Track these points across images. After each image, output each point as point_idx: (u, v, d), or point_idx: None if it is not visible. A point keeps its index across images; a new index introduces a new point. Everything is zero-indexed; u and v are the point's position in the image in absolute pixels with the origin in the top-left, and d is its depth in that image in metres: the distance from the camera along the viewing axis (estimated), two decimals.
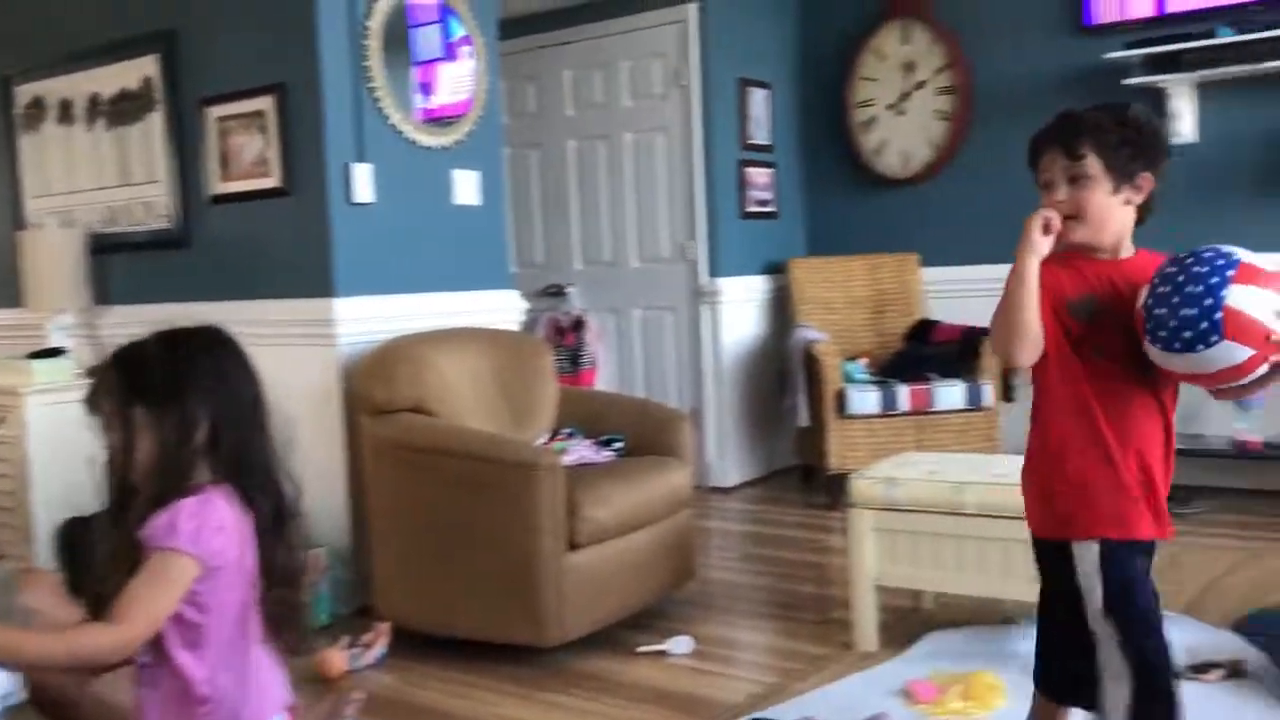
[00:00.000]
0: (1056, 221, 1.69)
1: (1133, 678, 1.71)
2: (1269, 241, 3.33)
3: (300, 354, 3.46)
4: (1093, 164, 1.70)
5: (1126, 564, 1.72)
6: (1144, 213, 1.75)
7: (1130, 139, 1.71)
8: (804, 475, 5.20)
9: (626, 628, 3.16)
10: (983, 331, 4.69)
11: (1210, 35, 4.36)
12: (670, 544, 3.28)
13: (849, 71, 5.42)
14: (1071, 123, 1.74)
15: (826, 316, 5.14)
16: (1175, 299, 1.59)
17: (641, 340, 5.37)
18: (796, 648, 3.05)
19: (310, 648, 1.77)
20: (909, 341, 5.02)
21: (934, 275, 5.22)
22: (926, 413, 4.56)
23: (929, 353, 4.81)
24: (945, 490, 2.83)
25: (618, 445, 3.42)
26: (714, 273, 5.12)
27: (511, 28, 5.09)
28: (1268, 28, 4.26)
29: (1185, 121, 4.50)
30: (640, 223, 5.32)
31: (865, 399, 4.54)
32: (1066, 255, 1.74)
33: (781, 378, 5.00)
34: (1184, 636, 2.83)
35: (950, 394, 4.54)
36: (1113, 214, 1.72)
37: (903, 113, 5.30)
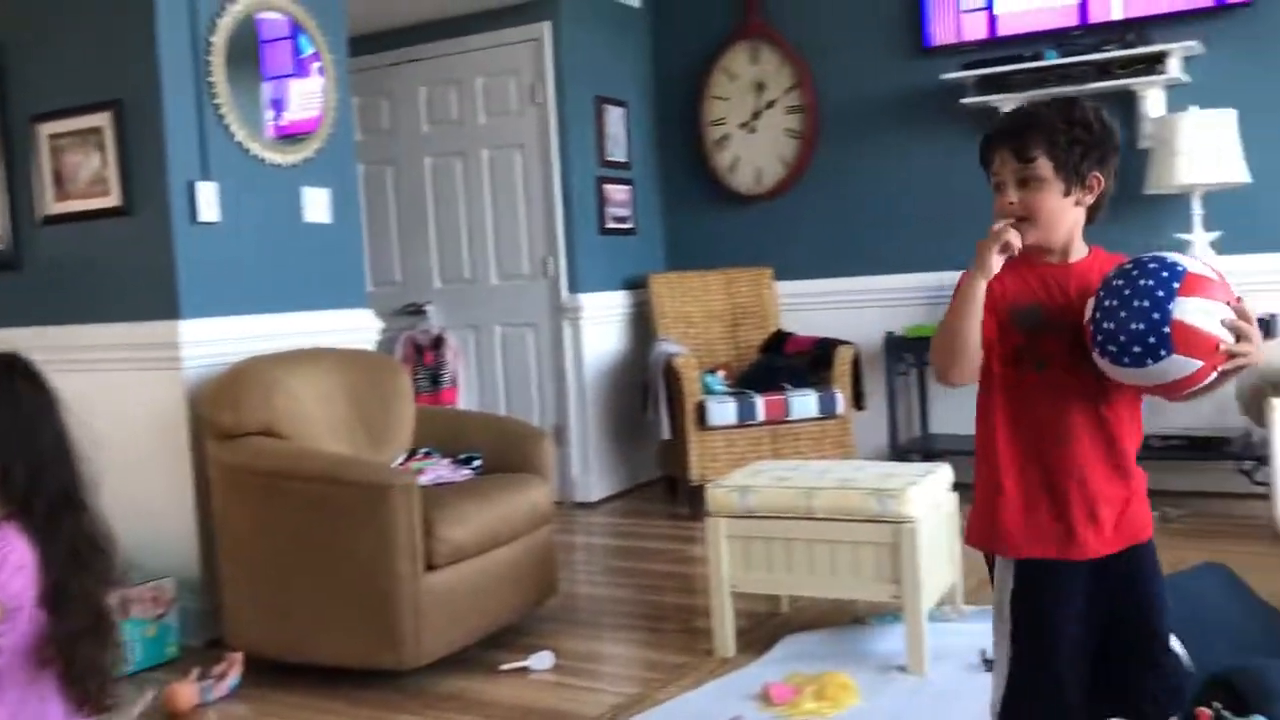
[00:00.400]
0: (1016, 243, 1.63)
1: (1004, 686, 1.72)
2: None
3: (144, 378, 3.34)
4: (1044, 166, 1.65)
5: (1032, 585, 1.70)
6: (1094, 212, 1.71)
7: (1080, 138, 1.65)
8: (668, 487, 5.26)
9: (488, 646, 3.14)
10: (834, 342, 4.85)
11: (1038, 58, 4.61)
12: (532, 561, 3.28)
13: (702, 90, 5.53)
14: (1022, 123, 1.68)
15: (686, 330, 5.22)
16: (1123, 313, 1.55)
17: (503, 358, 5.36)
18: (659, 658, 3.08)
19: (114, 702, 1.58)
20: (764, 353, 5.15)
21: (787, 289, 5.36)
22: (782, 422, 4.67)
23: (783, 363, 4.93)
24: (796, 496, 2.91)
25: (476, 463, 3.41)
26: (574, 289, 5.15)
27: (364, 44, 5.04)
28: (1089, 51, 4.53)
29: None
30: (499, 240, 5.32)
31: (724, 410, 4.63)
32: (1013, 258, 1.69)
33: (643, 391, 5.06)
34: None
35: (804, 403, 4.67)
36: (1064, 216, 1.67)
37: (754, 131, 5.44)
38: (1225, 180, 4.20)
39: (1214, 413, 4.36)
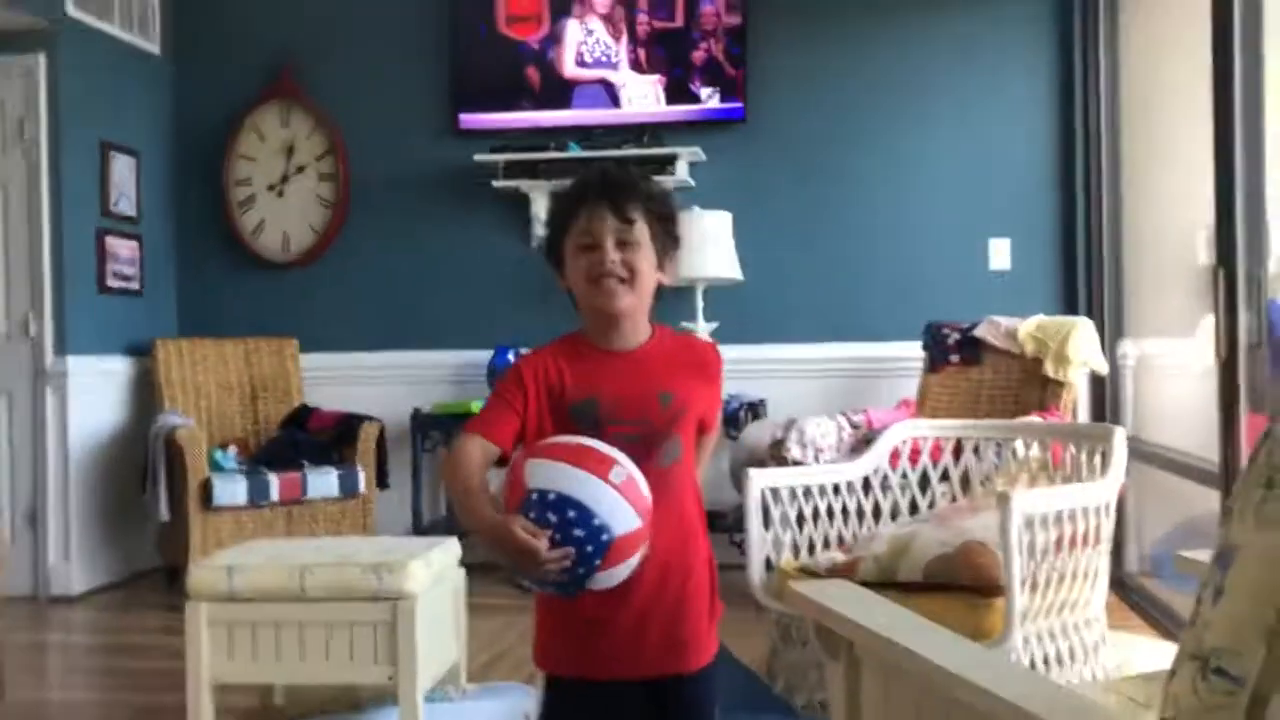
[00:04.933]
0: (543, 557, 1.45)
1: None
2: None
3: None
4: (641, 230, 1.55)
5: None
6: (657, 294, 1.64)
7: (672, 214, 1.60)
8: (168, 576, 4.74)
9: None
10: (360, 419, 4.66)
11: (563, 148, 4.82)
12: None
13: (228, 147, 5.20)
14: (622, 182, 1.57)
15: (197, 402, 4.79)
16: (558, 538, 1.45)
17: None
18: None
19: None
20: (285, 428, 4.85)
21: (313, 361, 5.11)
22: (299, 502, 4.39)
23: (305, 440, 4.67)
24: (288, 574, 2.69)
25: None
26: (61, 351, 4.55)
27: None
28: (610, 148, 4.81)
29: (542, 225, 4.90)
30: None
31: (233, 489, 4.26)
32: (574, 341, 1.62)
33: (143, 469, 4.55)
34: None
35: (324, 482, 4.42)
36: (651, 287, 1.58)
37: (283, 195, 5.19)
38: (722, 275, 4.59)
39: (709, 488, 4.68)
